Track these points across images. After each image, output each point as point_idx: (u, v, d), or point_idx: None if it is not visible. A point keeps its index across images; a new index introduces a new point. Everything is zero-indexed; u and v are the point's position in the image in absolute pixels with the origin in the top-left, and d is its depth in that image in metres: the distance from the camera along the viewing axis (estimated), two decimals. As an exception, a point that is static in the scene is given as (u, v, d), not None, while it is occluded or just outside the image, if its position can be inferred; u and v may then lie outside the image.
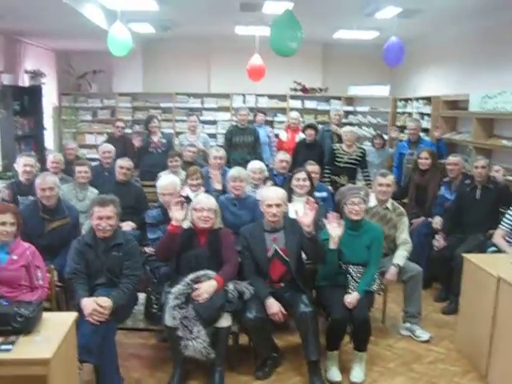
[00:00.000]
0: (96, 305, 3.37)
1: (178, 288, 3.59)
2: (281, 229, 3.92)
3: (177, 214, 3.76)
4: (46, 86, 8.87)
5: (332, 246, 3.74)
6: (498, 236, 4.61)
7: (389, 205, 4.64)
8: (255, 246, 3.88)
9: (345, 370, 3.87)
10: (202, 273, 3.69)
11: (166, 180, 4.74)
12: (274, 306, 3.68)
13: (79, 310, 3.39)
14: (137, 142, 7.08)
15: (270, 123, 9.02)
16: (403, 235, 4.54)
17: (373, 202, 4.58)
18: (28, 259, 3.52)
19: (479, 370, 3.90)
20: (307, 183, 4.83)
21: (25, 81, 8.52)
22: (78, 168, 5.40)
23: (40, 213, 4.43)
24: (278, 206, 3.85)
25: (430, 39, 8.63)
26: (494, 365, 3.73)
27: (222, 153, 5.93)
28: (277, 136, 7.75)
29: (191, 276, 3.66)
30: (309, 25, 5.62)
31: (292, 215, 4.10)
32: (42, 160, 6.59)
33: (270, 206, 3.84)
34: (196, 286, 3.60)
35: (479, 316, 3.90)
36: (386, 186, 4.62)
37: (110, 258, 3.69)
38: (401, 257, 4.40)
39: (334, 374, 3.77)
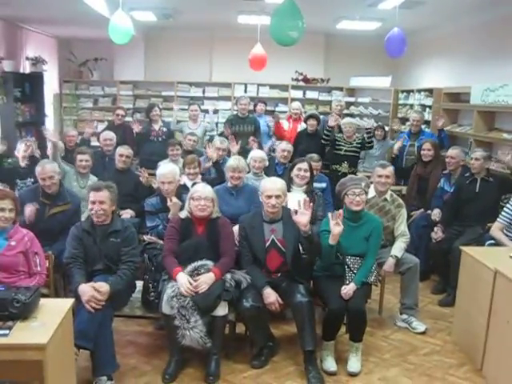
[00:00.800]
0: (94, 291, 3.40)
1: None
2: (279, 220, 3.93)
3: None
4: (47, 73, 8.84)
5: (331, 241, 3.74)
6: (496, 229, 4.60)
7: (388, 196, 4.64)
8: (253, 235, 3.89)
9: (340, 360, 3.89)
10: (200, 263, 3.71)
11: (166, 168, 4.74)
12: (271, 296, 3.69)
13: (76, 295, 3.41)
14: (136, 128, 7.06)
15: (271, 113, 8.98)
16: (401, 227, 4.55)
17: (371, 193, 4.58)
18: (26, 245, 3.54)
19: (475, 362, 3.92)
20: (308, 174, 4.83)
21: (26, 67, 8.50)
22: (79, 156, 5.41)
23: (40, 198, 4.45)
24: (277, 197, 3.85)
25: (433, 31, 8.59)
26: (489, 358, 3.74)
27: (225, 145, 5.97)
28: (278, 122, 7.71)
29: (190, 267, 3.68)
30: (311, 15, 5.59)
31: (290, 205, 4.11)
32: (43, 146, 6.59)
33: (269, 197, 3.85)
34: (195, 278, 3.62)
35: (475, 309, 3.91)
36: (385, 177, 4.62)
37: (107, 244, 3.71)
38: (399, 248, 4.41)
39: (330, 364, 3.78)
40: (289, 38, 4.66)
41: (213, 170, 5.70)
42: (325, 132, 6.62)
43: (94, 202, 3.71)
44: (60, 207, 4.50)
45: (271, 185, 3.92)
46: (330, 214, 3.80)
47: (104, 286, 3.45)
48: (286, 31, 4.61)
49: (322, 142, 6.55)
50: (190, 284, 3.55)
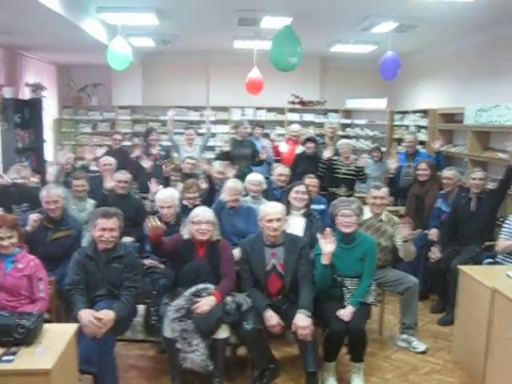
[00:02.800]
0: (92, 317, 3.41)
1: (178, 302, 3.63)
2: (280, 244, 3.96)
3: (155, 230, 3.81)
4: (46, 98, 8.94)
5: (324, 261, 3.77)
6: (501, 242, 4.58)
7: (383, 217, 4.69)
8: (254, 259, 3.92)
9: (342, 380, 3.90)
10: (201, 286, 3.73)
11: (165, 193, 4.80)
12: (273, 319, 3.71)
13: (78, 321, 3.42)
14: (137, 152, 7.08)
15: (266, 136, 9.03)
16: (401, 243, 4.58)
17: (367, 214, 4.62)
18: (32, 270, 3.57)
19: (475, 381, 3.93)
20: (306, 197, 4.85)
21: (25, 94, 8.59)
22: (74, 181, 5.46)
23: (44, 222, 4.49)
24: (278, 220, 3.90)
25: (426, 53, 8.73)
26: (489, 376, 3.76)
27: (222, 167, 6.00)
28: (273, 141, 7.78)
29: (191, 290, 3.70)
30: (306, 39, 5.69)
31: (290, 230, 4.15)
32: (42, 172, 6.64)
33: (270, 220, 3.89)
34: (196, 299, 3.64)
35: (475, 327, 3.94)
36: (380, 198, 4.67)
37: (110, 269, 3.73)
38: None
39: (332, 385, 3.80)
40: (288, 64, 4.76)
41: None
42: (320, 165, 6.61)
43: (104, 229, 3.73)
44: (63, 232, 4.53)
45: (271, 209, 3.97)
46: (318, 235, 3.85)
47: (109, 314, 3.47)
48: (285, 57, 4.71)
49: (319, 173, 6.47)
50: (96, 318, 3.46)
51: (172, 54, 9.83)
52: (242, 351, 4.11)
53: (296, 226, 4.40)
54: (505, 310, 3.55)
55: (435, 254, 5.25)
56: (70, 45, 7.57)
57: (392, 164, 6.64)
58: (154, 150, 7.23)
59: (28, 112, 8.25)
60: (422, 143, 8.04)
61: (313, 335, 3.66)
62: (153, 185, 5.62)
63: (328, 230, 3.85)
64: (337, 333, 3.76)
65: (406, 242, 4.35)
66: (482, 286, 3.81)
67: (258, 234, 4.06)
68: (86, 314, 3.44)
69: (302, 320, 3.64)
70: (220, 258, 3.93)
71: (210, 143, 9.52)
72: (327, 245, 3.76)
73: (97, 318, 3.42)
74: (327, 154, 6.57)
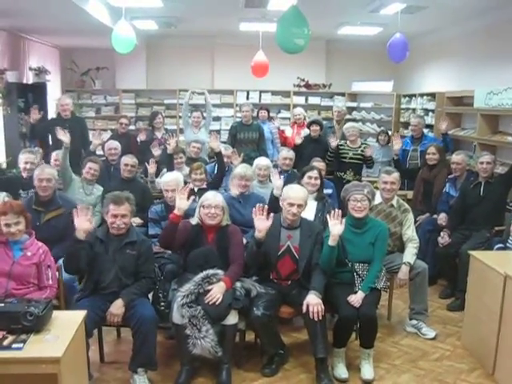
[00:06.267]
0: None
1: (187, 287, 3.60)
2: (297, 227, 3.94)
3: (180, 203, 3.79)
4: (50, 83, 8.85)
5: (331, 242, 3.72)
6: None
7: (394, 202, 4.64)
8: (269, 237, 3.85)
9: (351, 366, 3.89)
10: (211, 272, 3.70)
11: (170, 176, 4.78)
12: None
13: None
14: (142, 136, 7.03)
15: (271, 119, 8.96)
16: (409, 231, 4.55)
17: (378, 199, 4.57)
18: (40, 258, 3.54)
19: (486, 367, 3.91)
20: (318, 182, 4.80)
21: (29, 78, 8.51)
22: (89, 164, 5.41)
23: (33, 206, 4.46)
24: (299, 206, 3.87)
25: (434, 35, 8.61)
26: (501, 362, 3.74)
27: (230, 152, 5.99)
28: (278, 128, 7.73)
29: (201, 275, 3.67)
30: (313, 21, 5.56)
31: (304, 214, 4.11)
32: (46, 157, 6.59)
33: (291, 204, 3.85)
34: (208, 287, 3.61)
35: (486, 313, 3.91)
36: (391, 183, 4.61)
37: (123, 255, 3.68)
38: (410, 255, 4.41)
39: (341, 370, 3.78)
40: (295, 46, 4.67)
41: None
42: (328, 154, 6.53)
43: (115, 216, 3.66)
44: (54, 212, 4.50)
45: (294, 194, 3.91)
46: (327, 215, 3.81)
47: (120, 308, 3.53)
48: (292, 39, 4.62)
49: (327, 162, 6.37)
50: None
51: (176, 37, 9.73)
52: (250, 337, 4.10)
53: (307, 209, 4.35)
54: (517, 297, 3.51)
55: (444, 238, 5.20)
56: (74, 27, 7.47)
57: (396, 145, 6.52)
58: (159, 134, 7.20)
59: (32, 96, 8.15)
60: (429, 126, 7.97)
61: (323, 316, 3.63)
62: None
63: (338, 211, 3.80)
64: (347, 319, 3.73)
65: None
66: (494, 271, 3.76)
67: (276, 215, 3.99)
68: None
69: (314, 299, 3.62)
70: (229, 242, 3.90)
71: (216, 127, 9.47)
72: (335, 226, 3.72)
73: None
74: (333, 142, 6.50)
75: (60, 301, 3.89)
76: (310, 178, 4.78)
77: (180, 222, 3.83)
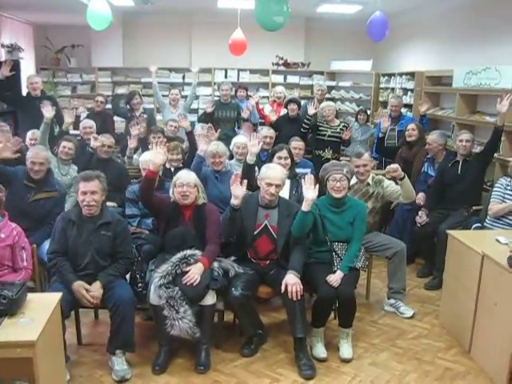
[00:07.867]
0: (84, 290, 3.45)
1: (165, 267, 3.56)
2: (275, 207, 3.91)
3: (155, 157, 3.76)
4: (23, 60, 8.64)
5: (304, 207, 3.69)
6: (493, 207, 4.54)
7: (369, 180, 4.64)
8: (246, 217, 3.84)
9: (330, 346, 3.90)
10: (189, 252, 3.66)
11: (147, 156, 4.70)
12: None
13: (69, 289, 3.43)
14: (142, 128, 6.81)
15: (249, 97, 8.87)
16: (392, 186, 4.57)
17: (354, 179, 4.55)
18: (14, 239, 3.46)
19: (463, 345, 3.96)
20: (288, 161, 4.78)
21: (1, 55, 8.28)
22: (64, 143, 5.30)
23: (25, 181, 4.40)
24: (277, 186, 3.84)
25: (414, 13, 8.55)
26: (477, 340, 3.78)
27: (205, 131, 5.89)
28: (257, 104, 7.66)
29: (179, 255, 3.63)
30: (292, -2, 5.54)
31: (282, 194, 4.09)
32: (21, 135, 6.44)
33: (269, 184, 3.82)
34: (186, 269, 3.58)
35: (463, 292, 3.94)
36: (363, 166, 4.61)
37: (98, 237, 3.61)
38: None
39: (320, 350, 3.79)
40: (274, 23, 4.61)
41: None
42: (305, 121, 6.51)
43: (85, 193, 3.57)
44: (46, 193, 4.44)
45: (272, 173, 3.87)
46: (301, 180, 3.78)
47: (98, 289, 3.49)
48: (271, 16, 4.56)
49: (302, 130, 6.42)
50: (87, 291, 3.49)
51: (153, 14, 9.54)
52: (229, 317, 4.08)
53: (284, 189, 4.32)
54: (494, 276, 3.53)
55: (422, 218, 5.23)
56: (47, 2, 7.28)
57: (385, 123, 6.49)
58: (138, 113, 7.09)
59: (5, 74, 7.96)
60: (408, 106, 7.96)
61: (302, 296, 3.62)
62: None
63: (311, 175, 3.77)
64: (326, 298, 3.73)
65: (395, 180, 4.42)
66: (472, 251, 3.79)
67: (254, 193, 3.98)
68: (77, 288, 3.44)
69: (292, 278, 3.61)
70: (206, 221, 3.86)
71: (194, 106, 9.33)
72: (308, 191, 3.68)
73: (87, 290, 3.45)
74: (312, 110, 6.47)
75: (36, 283, 3.82)
76: (280, 158, 4.76)
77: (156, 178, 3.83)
